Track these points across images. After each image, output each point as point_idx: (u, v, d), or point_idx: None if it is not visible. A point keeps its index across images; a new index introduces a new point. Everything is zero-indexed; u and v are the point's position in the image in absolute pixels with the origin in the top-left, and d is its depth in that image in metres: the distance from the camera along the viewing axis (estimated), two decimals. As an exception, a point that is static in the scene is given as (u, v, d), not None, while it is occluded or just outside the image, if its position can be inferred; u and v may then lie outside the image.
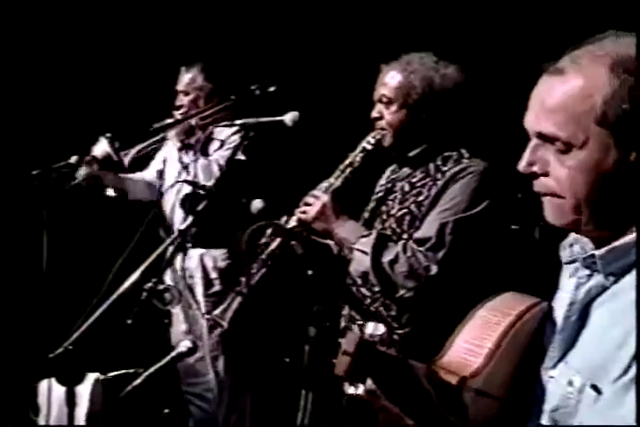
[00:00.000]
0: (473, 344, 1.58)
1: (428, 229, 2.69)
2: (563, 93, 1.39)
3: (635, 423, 1.27)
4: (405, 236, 2.74)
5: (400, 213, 2.79)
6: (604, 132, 1.36)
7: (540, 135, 1.41)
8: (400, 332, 2.72)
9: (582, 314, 1.43)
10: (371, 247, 2.69)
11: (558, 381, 1.41)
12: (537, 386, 1.46)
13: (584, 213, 1.40)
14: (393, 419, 1.46)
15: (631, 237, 1.39)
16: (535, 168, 1.42)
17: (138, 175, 4.33)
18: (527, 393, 1.45)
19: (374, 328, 1.50)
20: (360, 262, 2.71)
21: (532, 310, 1.60)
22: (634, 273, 1.37)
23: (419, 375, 1.50)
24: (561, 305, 1.51)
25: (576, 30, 3.61)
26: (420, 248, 2.67)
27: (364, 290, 2.78)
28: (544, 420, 1.40)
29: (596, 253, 1.41)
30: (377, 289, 2.73)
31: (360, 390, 1.39)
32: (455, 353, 1.62)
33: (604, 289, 1.41)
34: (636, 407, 1.30)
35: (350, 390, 1.39)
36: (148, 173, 4.36)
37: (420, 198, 2.76)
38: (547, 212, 1.45)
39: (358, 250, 2.72)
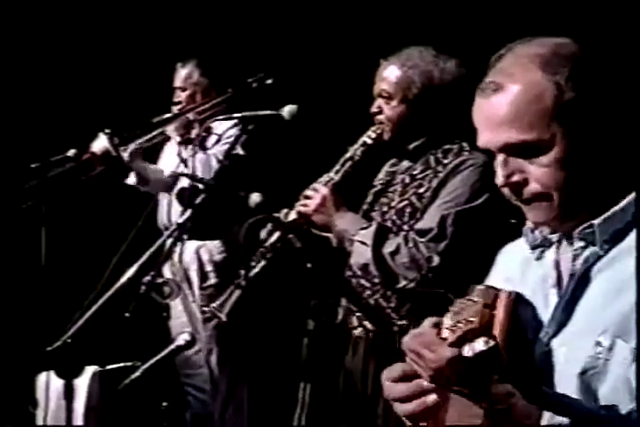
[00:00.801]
0: None
1: (430, 220, 2.69)
2: (512, 102, 1.43)
3: None
4: (406, 227, 2.75)
5: (401, 205, 2.80)
6: (565, 124, 1.42)
7: (506, 148, 1.45)
8: (400, 323, 2.73)
9: (581, 282, 1.47)
10: (371, 239, 2.70)
11: (573, 346, 1.44)
12: (535, 361, 1.48)
13: (568, 205, 1.46)
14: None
15: (623, 203, 1.46)
16: (514, 178, 1.47)
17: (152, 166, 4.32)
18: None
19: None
20: (360, 254, 2.72)
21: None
22: (629, 238, 1.44)
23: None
24: (531, 287, 1.55)
25: (564, 21, 3.64)
26: (422, 239, 2.68)
27: (363, 281, 2.79)
28: (572, 385, 1.42)
29: (595, 222, 1.46)
30: (377, 281, 2.73)
31: (490, 344, 1.33)
32: None
33: (599, 257, 1.46)
34: (637, 404, 1.35)
35: (480, 345, 1.33)
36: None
37: (421, 190, 2.76)
38: (534, 215, 1.50)
39: (359, 241, 2.73)
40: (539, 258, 1.57)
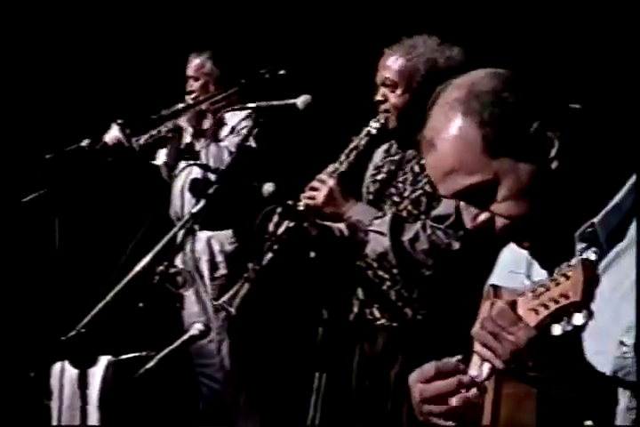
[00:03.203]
0: None
1: (447, 206, 2.68)
2: (446, 156, 1.49)
3: None
4: (423, 217, 2.74)
5: (415, 195, 2.79)
6: (502, 158, 1.47)
7: (460, 194, 1.51)
8: (423, 312, 2.72)
9: None
10: (388, 228, 2.69)
11: (592, 351, 1.42)
12: None
13: (542, 226, 1.49)
14: None
15: (617, 198, 1.49)
16: (481, 218, 1.51)
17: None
18: None
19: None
20: (377, 243, 2.71)
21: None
22: (630, 233, 1.46)
23: None
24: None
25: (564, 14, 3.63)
26: (440, 226, 2.67)
27: (381, 273, 2.77)
28: None
29: (595, 220, 1.48)
30: (395, 271, 2.72)
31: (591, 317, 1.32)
32: None
33: (602, 256, 1.48)
34: (637, 404, 1.35)
35: (579, 320, 1.33)
36: None
37: None
38: (517, 244, 1.56)
39: (374, 231, 2.72)
40: (533, 257, 1.57)
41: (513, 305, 1.40)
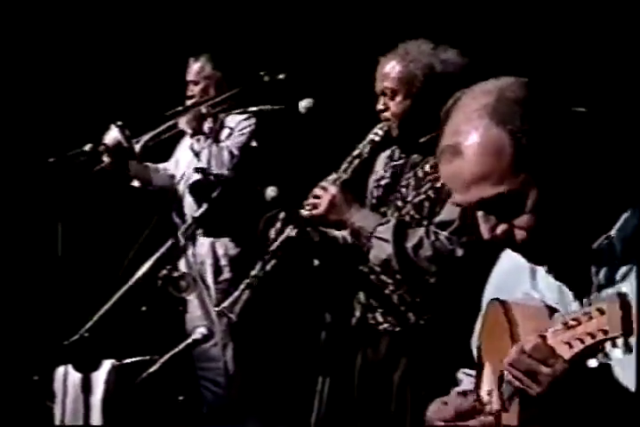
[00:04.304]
0: None
1: (450, 212, 2.68)
2: (474, 164, 1.44)
3: None
4: (426, 222, 2.74)
5: (418, 200, 2.79)
6: (531, 168, 1.43)
7: (483, 204, 1.47)
8: (426, 317, 2.72)
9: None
10: (391, 234, 2.69)
11: (620, 367, 1.43)
12: None
13: (560, 241, 1.47)
14: None
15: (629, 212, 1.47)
16: (499, 230, 1.47)
17: (161, 165, 4.36)
18: None
19: None
20: (381, 250, 2.71)
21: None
22: None
23: None
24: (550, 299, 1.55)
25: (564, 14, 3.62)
26: (443, 232, 2.67)
27: (384, 277, 2.78)
28: None
29: (612, 233, 1.47)
30: (399, 277, 2.72)
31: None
32: None
33: (618, 266, 1.46)
34: (636, 403, 1.35)
35: (618, 353, 1.35)
36: (170, 163, 4.39)
37: (439, 184, 2.75)
38: (530, 258, 1.53)
39: (378, 238, 2.72)
40: (549, 271, 1.56)
41: (544, 338, 1.40)
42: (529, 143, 1.42)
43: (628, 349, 1.31)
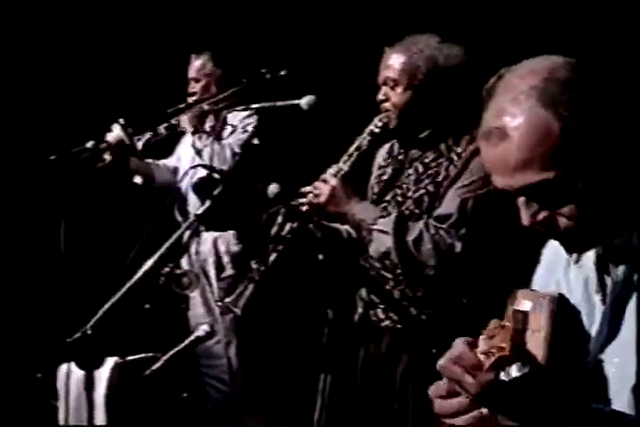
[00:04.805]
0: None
1: (449, 205, 2.69)
2: (521, 148, 1.38)
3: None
4: (426, 217, 2.74)
5: (417, 195, 2.79)
6: (579, 154, 1.37)
7: (527, 189, 1.41)
8: (427, 311, 2.72)
9: (626, 290, 1.44)
10: (392, 227, 2.69)
11: (625, 358, 1.41)
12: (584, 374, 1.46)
13: (602, 230, 1.43)
14: None
15: None
16: (540, 216, 1.43)
17: (162, 162, 4.36)
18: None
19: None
20: (381, 243, 2.71)
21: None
22: None
23: None
24: (575, 291, 1.53)
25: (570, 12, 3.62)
26: (442, 225, 2.67)
27: (384, 273, 2.78)
28: (625, 400, 1.40)
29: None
30: (399, 271, 2.73)
31: (525, 370, 1.32)
32: None
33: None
34: (636, 407, 1.33)
35: (514, 371, 1.33)
36: (172, 160, 4.39)
37: (439, 179, 2.75)
38: (571, 248, 1.48)
39: (378, 230, 2.72)
40: (577, 261, 1.53)
41: (474, 345, 1.38)
42: (578, 128, 1.36)
43: (519, 370, 1.31)
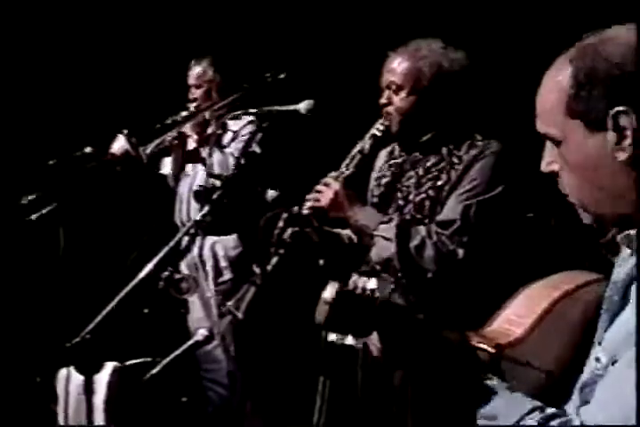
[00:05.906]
0: (517, 315, 1.57)
1: (452, 211, 2.69)
2: (541, 95, 1.45)
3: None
4: (427, 221, 2.74)
5: (419, 199, 2.79)
6: (576, 125, 1.38)
7: (544, 136, 1.45)
8: (428, 315, 2.72)
9: (623, 293, 1.42)
10: (394, 233, 2.69)
11: (591, 359, 1.41)
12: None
13: (595, 212, 1.42)
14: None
15: None
16: (549, 168, 1.46)
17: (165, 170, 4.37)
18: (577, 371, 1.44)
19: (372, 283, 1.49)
20: (383, 249, 2.71)
21: (585, 288, 1.58)
22: None
23: (436, 335, 1.48)
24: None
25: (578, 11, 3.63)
26: (445, 232, 2.67)
27: (385, 276, 2.78)
28: (575, 399, 1.39)
29: (632, 231, 1.41)
30: (399, 275, 2.72)
31: (348, 340, 1.38)
32: (498, 323, 1.61)
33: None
34: (637, 405, 1.31)
35: (332, 336, 1.39)
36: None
37: (440, 183, 2.75)
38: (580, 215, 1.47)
39: (380, 236, 2.72)
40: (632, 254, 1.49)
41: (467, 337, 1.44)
42: (584, 99, 1.37)
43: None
